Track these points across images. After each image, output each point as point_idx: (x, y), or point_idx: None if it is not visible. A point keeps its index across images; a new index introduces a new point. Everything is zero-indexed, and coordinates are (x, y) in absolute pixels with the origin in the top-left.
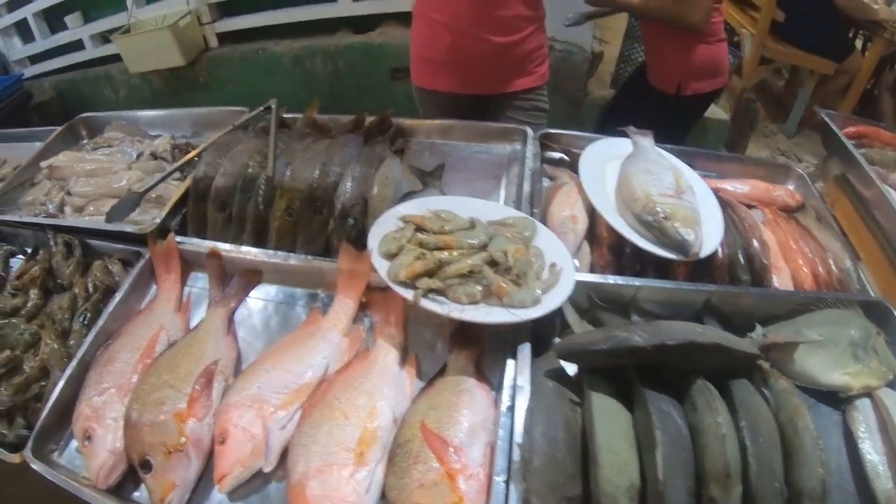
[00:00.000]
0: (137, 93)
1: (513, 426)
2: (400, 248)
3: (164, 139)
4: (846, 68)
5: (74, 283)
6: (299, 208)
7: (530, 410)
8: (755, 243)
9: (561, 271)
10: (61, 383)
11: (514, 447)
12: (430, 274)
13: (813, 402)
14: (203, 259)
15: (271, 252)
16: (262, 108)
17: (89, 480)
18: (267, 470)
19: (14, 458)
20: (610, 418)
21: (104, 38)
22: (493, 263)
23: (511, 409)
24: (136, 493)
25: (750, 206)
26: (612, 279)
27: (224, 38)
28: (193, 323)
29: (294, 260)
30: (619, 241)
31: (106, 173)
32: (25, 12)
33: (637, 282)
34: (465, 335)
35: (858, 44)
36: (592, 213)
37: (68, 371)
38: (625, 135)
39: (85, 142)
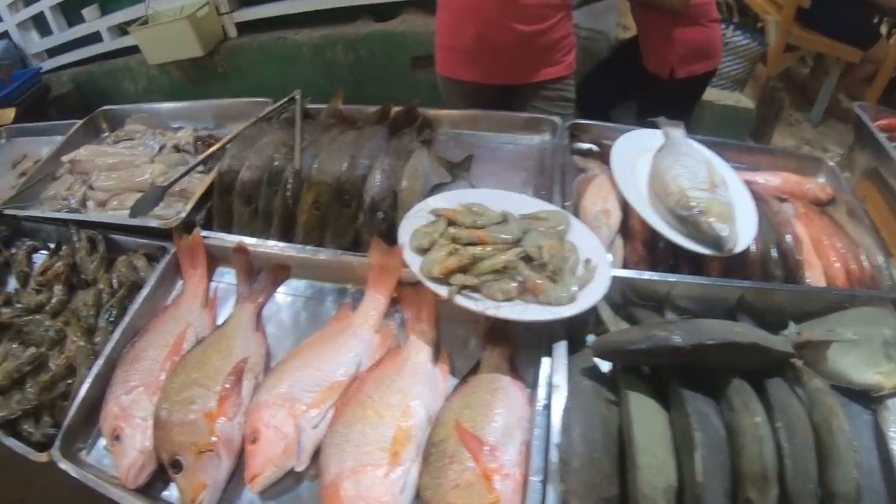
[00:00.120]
0: (156, 84)
1: (549, 425)
2: (432, 242)
3: (187, 131)
4: (872, 56)
5: (99, 279)
6: (327, 202)
7: (567, 410)
8: (788, 238)
9: (596, 267)
10: (88, 381)
11: (551, 447)
12: (463, 270)
13: (843, 401)
14: (229, 254)
15: (300, 246)
16: (286, 100)
17: (118, 479)
18: (299, 469)
19: (41, 457)
20: (647, 418)
21: (122, 29)
22: (527, 259)
23: (547, 407)
24: (166, 493)
25: (781, 200)
26: (646, 275)
27: (243, 27)
28: (220, 319)
29: (323, 255)
30: (652, 236)
31: (128, 167)
32: (42, 6)
33: (672, 278)
34: (499, 332)
35: (884, 31)
36: (625, 207)
37: (95, 369)
38: (655, 126)
39: (106, 135)
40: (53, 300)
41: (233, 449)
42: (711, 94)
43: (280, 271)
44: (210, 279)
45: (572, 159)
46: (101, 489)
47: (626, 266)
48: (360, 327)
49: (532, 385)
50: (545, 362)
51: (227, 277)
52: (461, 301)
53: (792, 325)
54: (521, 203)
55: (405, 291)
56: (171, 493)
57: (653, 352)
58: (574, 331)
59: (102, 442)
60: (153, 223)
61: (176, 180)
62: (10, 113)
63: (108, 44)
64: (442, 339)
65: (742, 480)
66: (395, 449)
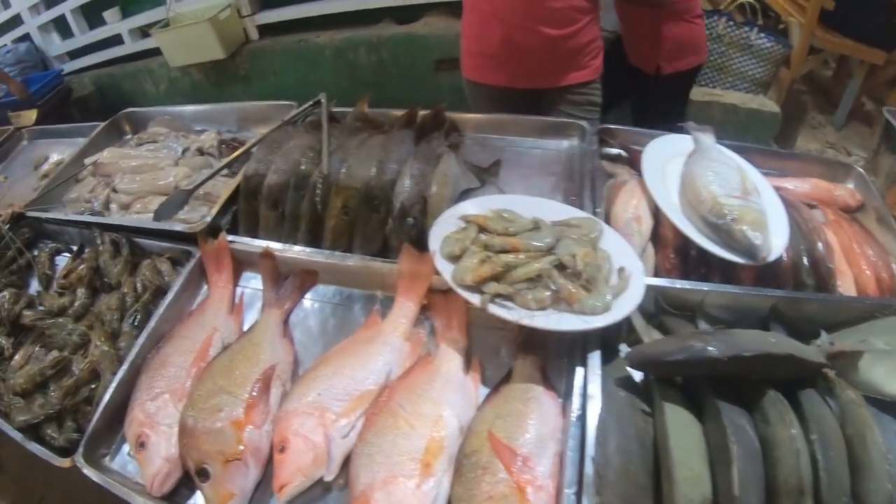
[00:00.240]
0: (177, 86)
1: (583, 436)
2: (463, 249)
3: (211, 134)
4: None
5: (123, 283)
6: (356, 207)
7: (603, 422)
8: (820, 246)
9: (630, 276)
10: (112, 386)
11: (585, 458)
12: (496, 278)
13: (874, 412)
14: (255, 258)
15: (328, 252)
16: (311, 103)
17: (142, 486)
18: (328, 479)
19: (65, 463)
20: (682, 430)
21: (143, 32)
22: (560, 267)
23: (580, 418)
24: (191, 501)
25: (811, 206)
26: (679, 284)
27: (264, 30)
28: (246, 325)
29: (351, 260)
30: (684, 244)
31: (151, 170)
32: (64, 8)
33: (705, 286)
34: (532, 341)
35: None
36: (656, 214)
37: (119, 374)
38: (684, 130)
39: (129, 137)
40: (76, 303)
41: (260, 458)
42: (735, 98)
43: (307, 277)
44: (236, 284)
45: (601, 164)
46: (125, 496)
47: (657, 274)
48: (390, 335)
49: (564, 395)
50: (578, 372)
51: (252, 283)
52: (495, 310)
53: (824, 334)
54: (552, 209)
55: (435, 299)
56: (197, 501)
57: (690, 363)
58: (607, 340)
59: (126, 447)
60: (178, 227)
61: (201, 184)
62: (32, 115)
63: (130, 46)
64: (472, 347)
65: (777, 493)
66: (427, 460)
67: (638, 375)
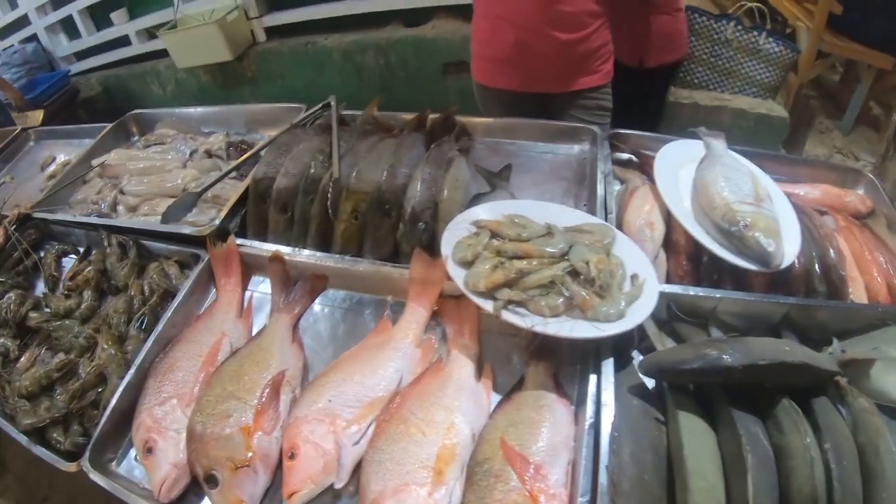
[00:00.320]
0: (184, 88)
1: (597, 444)
2: (476, 255)
3: (219, 137)
4: None
5: (130, 285)
6: (367, 211)
7: (617, 430)
8: (832, 253)
9: (644, 283)
10: (119, 390)
11: (599, 467)
12: (509, 284)
13: (885, 420)
14: (263, 262)
15: (338, 256)
16: (320, 106)
17: (149, 492)
18: (338, 486)
19: (71, 468)
20: (697, 440)
21: (150, 33)
22: (573, 273)
23: (594, 426)
24: None
25: (822, 213)
26: (692, 290)
27: (272, 32)
28: (255, 329)
29: (362, 265)
30: (697, 250)
31: (159, 172)
32: (71, 9)
33: (718, 293)
34: (544, 348)
35: None
36: (668, 220)
37: (127, 378)
38: (696, 136)
39: (136, 139)
40: (83, 306)
41: (270, 464)
42: (743, 102)
43: (317, 281)
44: (245, 288)
45: (613, 170)
46: (132, 502)
47: (669, 280)
48: (401, 341)
49: (577, 402)
50: (592, 380)
51: (261, 287)
52: (508, 317)
53: (836, 342)
54: (564, 215)
55: (447, 305)
56: None
57: (705, 372)
58: (619, 347)
59: (132, 452)
60: (186, 230)
61: (209, 186)
62: (39, 115)
63: (137, 47)
64: (483, 353)
65: (791, 502)
66: (440, 467)
67: (650, 383)
